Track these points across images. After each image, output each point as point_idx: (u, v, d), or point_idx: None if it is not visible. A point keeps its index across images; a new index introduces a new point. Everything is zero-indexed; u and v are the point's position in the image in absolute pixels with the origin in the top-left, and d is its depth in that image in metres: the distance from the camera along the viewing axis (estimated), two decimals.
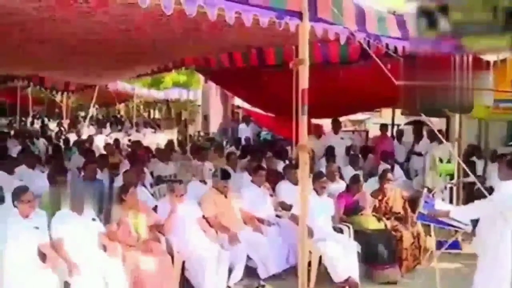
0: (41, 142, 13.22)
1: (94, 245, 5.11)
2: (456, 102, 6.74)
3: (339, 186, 7.41)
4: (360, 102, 9.52)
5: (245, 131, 12.98)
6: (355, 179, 6.93)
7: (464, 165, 5.65)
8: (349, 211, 6.68)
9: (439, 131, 8.85)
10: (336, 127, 10.61)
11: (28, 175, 7.22)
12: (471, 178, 5.01)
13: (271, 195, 7.00)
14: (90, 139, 13.34)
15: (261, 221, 6.40)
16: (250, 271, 5.94)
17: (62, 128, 17.97)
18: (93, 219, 5.28)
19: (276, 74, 8.05)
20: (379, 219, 6.52)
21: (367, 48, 4.94)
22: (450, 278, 5.73)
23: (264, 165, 8.30)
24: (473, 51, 6.45)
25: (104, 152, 9.90)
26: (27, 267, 4.58)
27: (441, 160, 7.59)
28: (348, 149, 10.20)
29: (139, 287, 4.93)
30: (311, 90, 4.26)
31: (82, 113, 24.74)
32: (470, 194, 7.18)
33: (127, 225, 5.31)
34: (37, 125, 20.11)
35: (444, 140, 5.53)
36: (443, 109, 7.60)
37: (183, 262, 5.51)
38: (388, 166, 8.75)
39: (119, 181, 6.65)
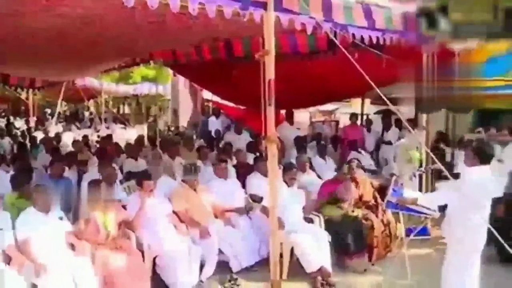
0: (6, 141, 12.90)
1: (62, 244, 5.00)
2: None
3: (310, 177, 7.43)
4: (330, 92, 9.57)
5: (215, 124, 12.89)
6: (340, 169, 6.99)
7: (431, 153, 5.71)
8: (330, 202, 6.70)
9: (410, 120, 8.96)
10: (290, 118, 10.61)
11: None
12: (439, 165, 5.05)
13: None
14: (58, 136, 13.10)
15: (236, 210, 6.40)
16: (222, 265, 5.91)
17: (29, 126, 17.57)
18: (60, 218, 5.18)
19: (244, 66, 8.00)
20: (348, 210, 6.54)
21: (334, 39, 4.93)
22: (420, 264, 5.83)
23: (234, 158, 8.29)
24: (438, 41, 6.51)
25: (73, 149, 9.73)
26: None
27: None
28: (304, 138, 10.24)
29: (109, 286, 4.85)
30: (280, 81, 4.23)
31: (49, 111, 24.24)
32: (439, 181, 7.28)
33: (95, 223, 5.21)
34: (2, 123, 19.63)
35: (411, 130, 5.59)
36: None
37: (154, 258, 5.45)
38: (358, 155, 8.84)
39: (87, 179, 6.52)
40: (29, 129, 16.42)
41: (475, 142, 4.96)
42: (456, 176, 4.94)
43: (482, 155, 4.54)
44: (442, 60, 7.22)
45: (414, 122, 8.36)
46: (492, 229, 4.51)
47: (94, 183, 5.72)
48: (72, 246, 5.03)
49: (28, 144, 11.82)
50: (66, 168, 7.27)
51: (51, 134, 14.11)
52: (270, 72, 4.14)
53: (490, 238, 4.60)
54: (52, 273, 4.55)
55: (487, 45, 7.10)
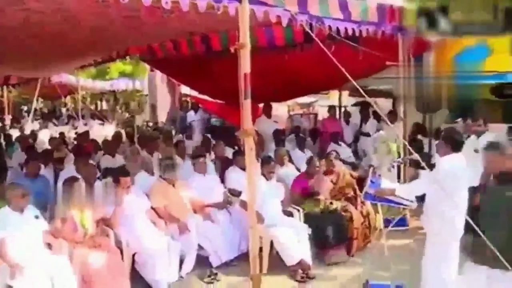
0: None
1: (38, 244, 4.90)
2: None
3: (289, 170, 7.43)
4: (307, 85, 9.56)
5: (193, 118, 12.82)
6: (310, 163, 6.96)
7: (407, 144, 5.75)
8: (304, 196, 6.70)
9: (391, 111, 9.01)
10: (268, 111, 10.60)
11: None
12: (416, 156, 5.09)
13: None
14: (34, 134, 12.89)
15: (216, 205, 6.35)
16: (202, 260, 5.90)
17: (4, 124, 17.24)
18: (36, 217, 5.07)
19: (222, 60, 7.97)
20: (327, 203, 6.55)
21: (309, 31, 4.92)
22: (399, 254, 5.87)
23: (213, 152, 8.25)
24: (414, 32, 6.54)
25: (49, 147, 9.59)
26: None
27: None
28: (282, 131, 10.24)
29: (88, 284, 4.79)
30: (257, 75, 4.20)
31: (26, 108, 23.83)
32: (417, 171, 7.34)
33: (73, 221, 5.12)
34: None
35: (389, 123, 5.62)
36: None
37: (133, 255, 5.40)
38: (337, 147, 8.87)
39: (64, 176, 6.43)
40: (3, 127, 16.12)
41: (444, 132, 5.00)
42: (434, 166, 4.97)
43: (453, 143, 4.58)
44: (417, 52, 7.28)
45: (393, 114, 8.42)
46: (469, 220, 4.56)
47: (70, 181, 5.63)
48: (49, 245, 4.95)
49: (3, 143, 11.60)
50: (42, 166, 7.17)
51: (27, 132, 13.90)
52: (245, 66, 4.10)
53: (467, 227, 4.65)
54: (28, 273, 4.47)
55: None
